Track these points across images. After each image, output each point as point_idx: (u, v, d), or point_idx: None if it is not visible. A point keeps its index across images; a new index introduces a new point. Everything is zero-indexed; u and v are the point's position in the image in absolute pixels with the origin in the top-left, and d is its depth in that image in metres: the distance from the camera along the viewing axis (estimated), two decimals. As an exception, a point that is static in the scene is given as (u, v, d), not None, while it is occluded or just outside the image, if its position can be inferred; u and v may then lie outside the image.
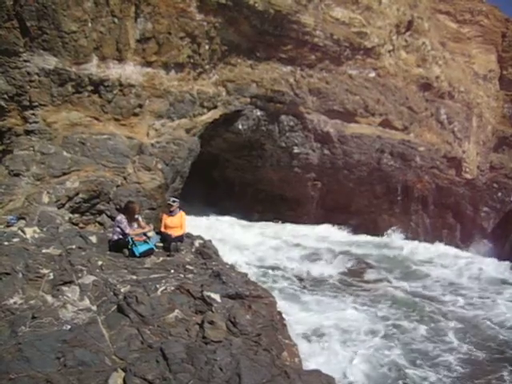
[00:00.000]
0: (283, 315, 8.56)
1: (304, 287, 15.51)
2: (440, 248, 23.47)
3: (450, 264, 20.07)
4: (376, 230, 25.96)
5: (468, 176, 32.34)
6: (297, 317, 12.21)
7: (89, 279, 7.55)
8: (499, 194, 25.90)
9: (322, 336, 11.29)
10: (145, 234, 10.36)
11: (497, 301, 14.93)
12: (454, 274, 18.39)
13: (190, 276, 8.52)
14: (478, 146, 37.25)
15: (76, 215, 15.02)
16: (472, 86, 36.92)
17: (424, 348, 11.12)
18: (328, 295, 14.68)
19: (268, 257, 19.29)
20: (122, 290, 7.43)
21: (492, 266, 19.76)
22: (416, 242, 24.39)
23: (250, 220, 26.94)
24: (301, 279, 16.48)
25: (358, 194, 26.57)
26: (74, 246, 9.25)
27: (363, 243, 23.44)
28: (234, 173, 28.46)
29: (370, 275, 17.68)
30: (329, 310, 13.09)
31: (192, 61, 20.84)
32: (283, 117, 24.87)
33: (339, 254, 19.73)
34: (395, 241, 24.57)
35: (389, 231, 25.76)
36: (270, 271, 17.04)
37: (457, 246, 24.19)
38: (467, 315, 13.60)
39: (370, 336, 11.53)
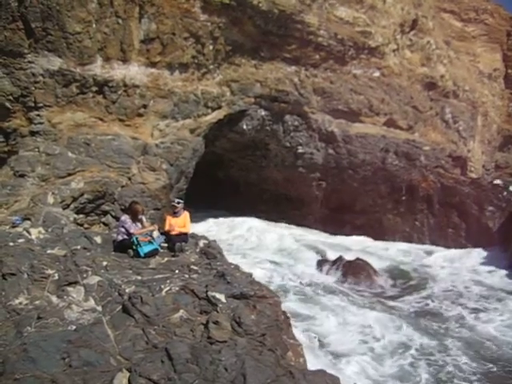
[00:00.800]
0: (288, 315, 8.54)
1: (315, 291, 15.47)
2: (447, 252, 23.21)
3: (455, 270, 19.75)
4: (381, 230, 25.91)
5: (473, 175, 32.24)
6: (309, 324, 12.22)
7: (94, 280, 7.55)
8: (504, 193, 25.74)
9: (334, 340, 11.30)
10: (150, 235, 10.36)
11: (502, 311, 14.62)
12: (460, 282, 18.00)
13: (195, 276, 8.50)
14: (483, 145, 37.14)
15: (81, 216, 15.07)
16: (477, 85, 36.81)
17: (438, 360, 11.01)
18: (338, 302, 14.56)
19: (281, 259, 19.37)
20: (127, 291, 7.42)
21: (497, 274, 19.41)
22: (421, 246, 24.30)
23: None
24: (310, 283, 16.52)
25: (362, 194, 26.52)
26: (78, 247, 9.25)
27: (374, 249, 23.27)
28: (238, 173, 28.49)
29: (379, 282, 17.61)
30: (339, 317, 13.02)
31: (196, 61, 20.85)
32: (287, 116, 24.86)
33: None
34: (401, 245, 24.46)
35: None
36: (287, 274, 17.09)
37: (462, 247, 24.05)
38: (475, 327, 13.30)
39: (380, 345, 11.38)
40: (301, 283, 16.29)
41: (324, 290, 15.77)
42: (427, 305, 15.26)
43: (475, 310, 14.63)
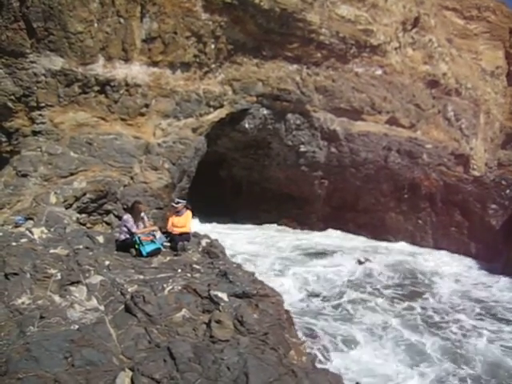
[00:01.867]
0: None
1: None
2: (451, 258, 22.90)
3: (454, 279, 19.37)
4: (383, 228, 25.88)
5: (476, 173, 32.11)
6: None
7: (96, 279, 7.56)
8: (507, 191, 25.60)
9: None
10: (152, 234, 10.36)
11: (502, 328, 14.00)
12: (458, 294, 17.39)
13: (197, 275, 8.50)
14: (485, 143, 37.03)
15: (83, 215, 15.08)
16: (479, 83, 36.69)
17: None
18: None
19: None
20: (130, 290, 7.43)
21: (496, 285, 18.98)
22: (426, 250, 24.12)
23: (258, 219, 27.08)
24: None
25: (365, 192, 26.47)
26: (81, 246, 9.27)
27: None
28: (240, 172, 28.47)
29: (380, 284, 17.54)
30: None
31: (198, 60, 20.86)
32: (290, 115, 24.83)
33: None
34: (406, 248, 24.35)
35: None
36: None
37: (464, 245, 23.93)
38: (475, 345, 12.59)
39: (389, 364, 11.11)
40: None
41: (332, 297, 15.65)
42: (424, 317, 14.67)
43: (474, 327, 13.79)
